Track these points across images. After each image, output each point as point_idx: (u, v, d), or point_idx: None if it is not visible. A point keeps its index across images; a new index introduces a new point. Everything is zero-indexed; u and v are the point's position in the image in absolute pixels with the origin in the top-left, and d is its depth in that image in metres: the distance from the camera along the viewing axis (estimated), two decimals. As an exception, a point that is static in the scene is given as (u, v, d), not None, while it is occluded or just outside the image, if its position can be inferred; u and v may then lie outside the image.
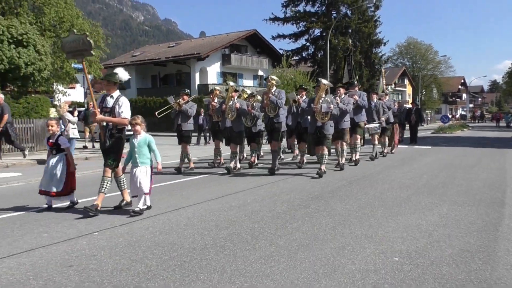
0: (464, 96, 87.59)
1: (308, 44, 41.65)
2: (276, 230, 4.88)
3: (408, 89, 68.53)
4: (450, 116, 45.39)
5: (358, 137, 11.13)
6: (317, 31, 40.79)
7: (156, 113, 11.91)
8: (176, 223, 5.24)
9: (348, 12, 40.14)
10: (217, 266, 3.72)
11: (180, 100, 10.09)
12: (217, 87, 11.45)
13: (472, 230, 4.81)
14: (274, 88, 9.49)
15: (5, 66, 16.25)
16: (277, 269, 3.65)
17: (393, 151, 14.13)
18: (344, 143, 10.27)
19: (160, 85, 41.65)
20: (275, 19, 40.74)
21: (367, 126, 11.78)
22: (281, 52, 39.84)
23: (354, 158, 11.01)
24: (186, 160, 10.30)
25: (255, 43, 42.56)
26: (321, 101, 8.82)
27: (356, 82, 11.20)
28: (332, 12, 40.17)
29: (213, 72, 38.95)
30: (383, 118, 12.43)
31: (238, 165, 10.02)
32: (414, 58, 69.70)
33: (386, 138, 13.35)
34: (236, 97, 9.68)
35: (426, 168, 10.24)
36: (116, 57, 52.65)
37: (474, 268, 3.66)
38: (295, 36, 41.00)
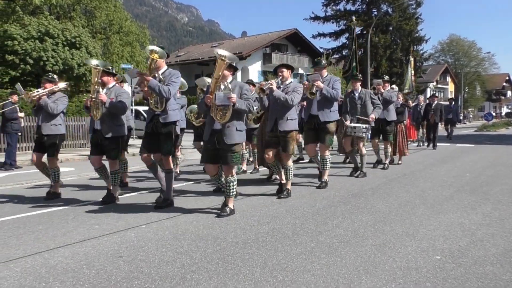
0: (509, 93, 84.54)
1: (348, 42, 41.19)
2: (317, 226, 4.93)
3: (450, 87, 66.83)
4: (494, 114, 43.83)
5: (326, 147, 7.43)
6: (357, 30, 40.33)
7: None
8: (219, 217, 5.38)
9: (389, 9, 39.48)
10: (259, 260, 3.81)
11: (39, 90, 6.89)
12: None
13: (517, 230, 4.72)
14: (165, 68, 5.93)
15: (60, 67, 17.12)
16: (318, 264, 3.70)
17: (400, 161, 10.69)
18: (288, 158, 6.77)
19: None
20: (315, 18, 40.52)
21: (350, 124, 8.54)
22: (321, 50, 39.66)
23: (322, 179, 7.55)
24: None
25: (295, 42, 42.59)
26: (222, 87, 5.35)
27: (324, 62, 7.63)
28: (373, 10, 39.60)
29: (254, 71, 39.27)
30: (372, 116, 8.67)
31: (118, 190, 6.65)
32: (457, 55, 67.87)
33: (388, 145, 10.11)
34: (112, 85, 6.48)
35: (469, 166, 10.01)
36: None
37: (519, 268, 3.60)
38: (336, 35, 40.62)
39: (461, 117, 43.66)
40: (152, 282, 3.36)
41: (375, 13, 38.79)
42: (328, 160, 7.49)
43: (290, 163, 6.76)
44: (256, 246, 4.20)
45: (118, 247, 4.23)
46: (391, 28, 39.23)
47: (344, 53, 41.18)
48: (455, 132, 20.81)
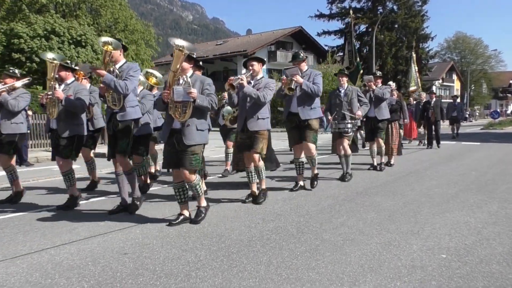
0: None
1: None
2: (321, 224, 4.92)
3: (456, 85, 66.57)
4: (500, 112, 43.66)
5: (311, 146, 6.78)
6: (362, 27, 40.24)
7: None
8: (223, 215, 5.39)
9: (395, 7, 39.39)
10: (264, 258, 3.81)
11: None
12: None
13: (524, 229, 4.69)
14: (122, 62, 5.45)
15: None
16: (323, 262, 3.69)
17: (391, 162, 9.90)
18: (258, 158, 6.01)
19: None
20: (320, 15, 40.50)
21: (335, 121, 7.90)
22: (326, 48, 39.64)
23: (312, 174, 7.18)
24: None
25: (300, 39, 42.61)
26: (181, 82, 4.84)
27: (303, 55, 7.00)
28: (378, 8, 39.55)
29: (259, 69, 39.22)
30: (359, 113, 7.94)
31: (77, 193, 6.06)
32: (463, 53, 67.71)
33: (381, 142, 9.23)
34: (71, 81, 5.96)
35: (475, 165, 9.96)
36: (166, 55, 53.89)
37: (525, 266, 3.57)
38: (341, 32, 40.54)
39: (467, 115, 43.44)
40: (157, 279, 3.37)
41: (381, 10, 38.72)
42: (315, 158, 7.02)
43: (260, 163, 6.07)
44: (260, 244, 4.21)
45: (123, 244, 4.24)
46: (396, 26, 39.19)
47: (348, 50, 41.04)
48: (460, 130, 20.59)
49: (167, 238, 4.44)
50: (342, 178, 7.96)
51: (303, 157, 7.00)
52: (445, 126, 19.69)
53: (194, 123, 4.83)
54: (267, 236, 4.48)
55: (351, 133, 8.00)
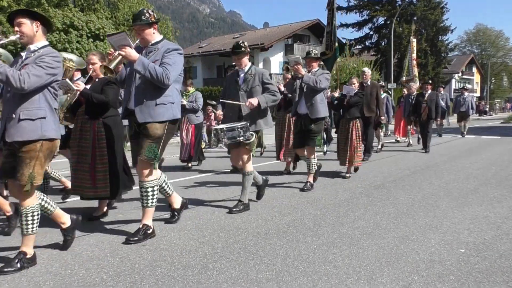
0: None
1: (371, 32, 40.88)
2: (338, 217, 4.91)
3: (476, 78, 65.52)
4: None
5: (145, 165, 4.17)
6: (381, 19, 39.86)
7: None
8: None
9: (414, -1, 38.90)
10: (280, 251, 3.82)
11: None
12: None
13: (545, 224, 4.61)
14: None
15: (85, 59, 17.50)
16: (340, 256, 3.69)
17: (348, 174, 7.57)
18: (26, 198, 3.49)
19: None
20: (338, 8, 40.00)
21: (216, 126, 5.48)
22: (344, 41, 39.32)
23: (141, 224, 4.22)
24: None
25: (318, 32, 42.18)
26: None
27: (149, 15, 4.20)
28: (397, 0, 39.09)
29: (276, 62, 39.06)
30: (254, 102, 5.07)
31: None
32: (483, 46, 66.55)
33: (311, 151, 6.52)
34: None
35: (494, 159, 9.80)
36: (183, 49, 53.98)
37: (546, 262, 3.52)
38: (358, 25, 40.27)
39: (487, 109, 42.72)
40: (175, 270, 3.40)
41: (399, 2, 38.27)
42: (152, 188, 4.22)
43: (29, 202, 3.52)
44: (277, 237, 4.21)
45: (141, 236, 4.27)
46: (415, 18, 38.66)
47: (367, 44, 40.68)
48: (480, 124, 20.16)
49: (184, 230, 4.48)
50: (232, 208, 5.30)
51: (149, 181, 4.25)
52: (454, 121, 19.17)
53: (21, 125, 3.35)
54: (284, 229, 4.49)
55: (252, 139, 5.12)
